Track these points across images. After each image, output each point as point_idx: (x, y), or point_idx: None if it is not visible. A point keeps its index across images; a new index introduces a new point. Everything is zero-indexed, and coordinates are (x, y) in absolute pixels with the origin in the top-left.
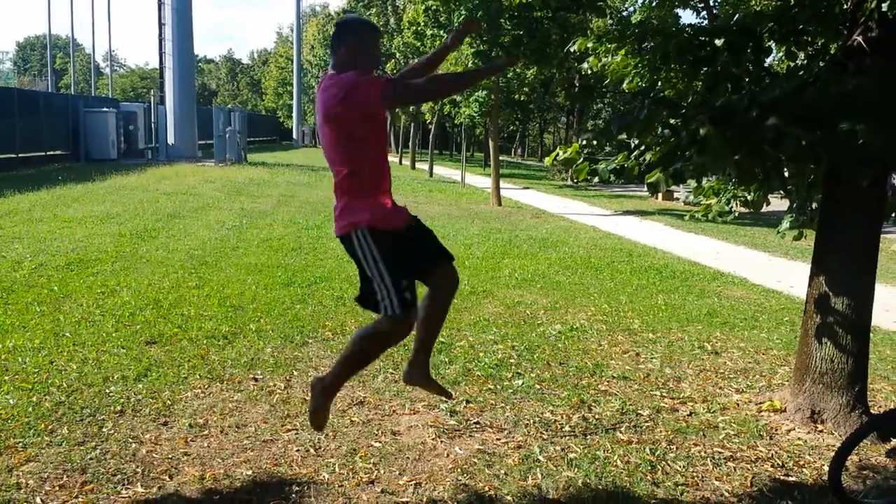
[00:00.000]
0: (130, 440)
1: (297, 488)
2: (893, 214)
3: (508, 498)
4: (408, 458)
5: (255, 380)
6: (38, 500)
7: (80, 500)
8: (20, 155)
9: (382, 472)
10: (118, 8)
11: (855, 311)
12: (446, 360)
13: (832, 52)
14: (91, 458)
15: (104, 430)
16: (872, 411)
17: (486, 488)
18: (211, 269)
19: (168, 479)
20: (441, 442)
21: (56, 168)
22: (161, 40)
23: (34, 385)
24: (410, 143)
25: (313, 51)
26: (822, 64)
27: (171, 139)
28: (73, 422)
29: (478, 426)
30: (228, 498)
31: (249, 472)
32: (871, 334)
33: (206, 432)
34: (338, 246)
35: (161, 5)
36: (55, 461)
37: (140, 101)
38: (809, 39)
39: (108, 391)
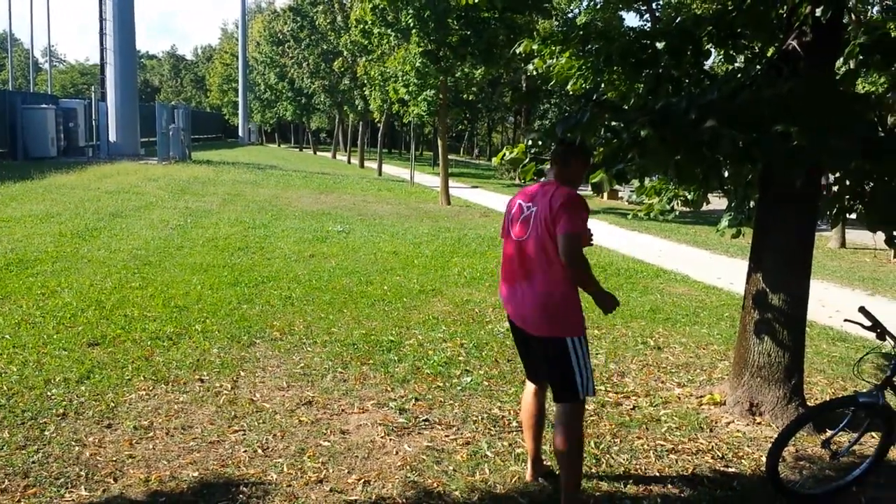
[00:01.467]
0: (73, 443)
1: (244, 489)
2: (827, 213)
3: (457, 494)
4: (357, 456)
5: (201, 381)
6: None
7: None
8: None
9: (331, 470)
10: (58, 2)
11: (791, 307)
12: (395, 358)
13: (769, 55)
14: (33, 462)
15: (46, 433)
16: (809, 403)
17: (435, 485)
18: (155, 269)
19: (113, 482)
20: (390, 440)
21: None
22: (102, 35)
23: None
24: (359, 142)
25: (259, 47)
26: (759, 67)
27: (112, 136)
28: (13, 425)
29: (427, 423)
30: (174, 500)
31: (196, 474)
32: (808, 329)
33: (151, 434)
34: (286, 245)
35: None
36: None
37: (80, 97)
38: (747, 43)
39: (49, 394)
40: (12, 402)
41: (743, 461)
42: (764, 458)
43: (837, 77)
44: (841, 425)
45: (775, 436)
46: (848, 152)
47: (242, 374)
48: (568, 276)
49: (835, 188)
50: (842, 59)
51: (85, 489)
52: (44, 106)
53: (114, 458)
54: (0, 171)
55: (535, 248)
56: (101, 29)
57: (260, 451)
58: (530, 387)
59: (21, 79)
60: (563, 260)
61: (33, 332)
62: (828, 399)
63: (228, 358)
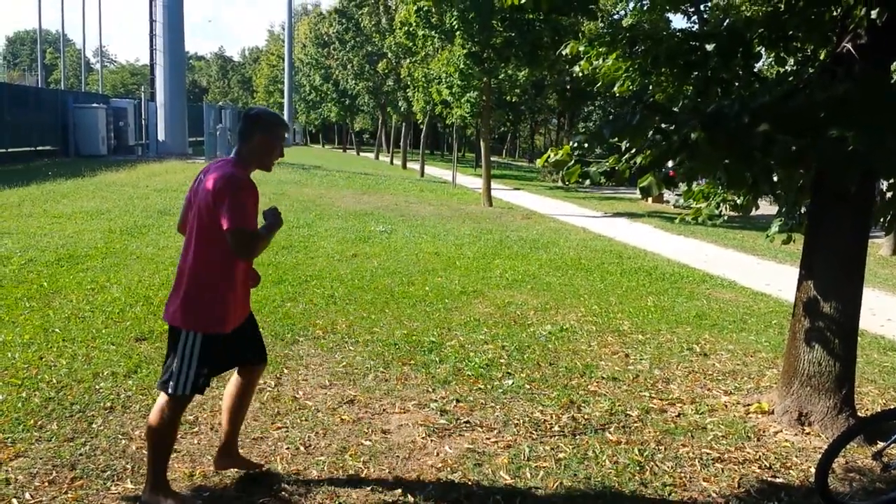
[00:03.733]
0: (120, 436)
1: (286, 486)
2: (881, 220)
3: (497, 497)
4: (397, 456)
5: None
6: (27, 495)
7: (69, 495)
8: (9, 150)
9: (372, 470)
10: (109, 3)
11: (842, 315)
12: (437, 359)
13: (821, 58)
14: (81, 454)
15: (94, 426)
16: (859, 414)
17: (475, 488)
18: None
19: None
20: (431, 441)
21: (45, 163)
22: (152, 36)
23: (23, 381)
24: (402, 143)
25: (305, 49)
26: (811, 70)
27: (161, 136)
28: (62, 418)
29: (468, 425)
30: (218, 495)
31: (239, 470)
32: (859, 338)
33: (195, 429)
34: (329, 245)
35: (152, 2)
36: (45, 457)
37: (130, 97)
38: (799, 45)
39: (97, 387)
40: (61, 395)
41: (791, 472)
42: (812, 470)
43: (893, 80)
44: (893, 437)
45: (825, 446)
46: None
47: (286, 371)
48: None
49: (889, 193)
50: None
51: (131, 482)
52: (95, 105)
53: None
54: (52, 168)
55: (189, 232)
56: (152, 30)
57: (302, 448)
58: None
59: (73, 78)
60: (237, 256)
61: (82, 327)
62: (879, 410)
63: (272, 355)
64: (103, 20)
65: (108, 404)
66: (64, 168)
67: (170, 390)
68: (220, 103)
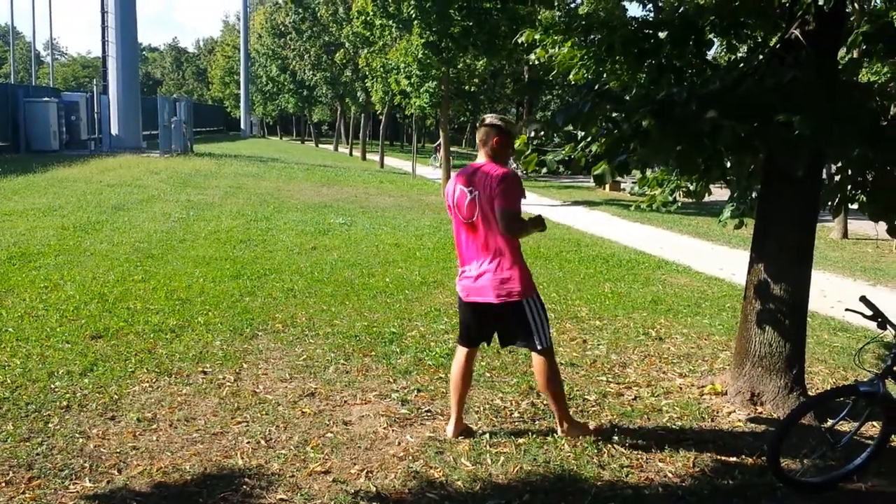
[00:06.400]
0: (77, 435)
1: (247, 480)
2: (829, 203)
3: (459, 484)
4: (359, 447)
5: (204, 373)
6: None
7: (27, 496)
8: None
9: (334, 461)
10: None
11: (792, 297)
12: (397, 350)
13: (772, 44)
14: (37, 454)
15: (50, 425)
16: (810, 393)
17: (437, 475)
18: (157, 262)
19: (117, 474)
20: (392, 431)
21: None
22: (104, 28)
23: None
24: (361, 134)
25: (261, 40)
26: (761, 56)
27: (114, 130)
28: (17, 418)
29: (429, 414)
30: (178, 491)
31: (199, 465)
32: (809, 319)
33: (154, 426)
34: (288, 238)
35: None
36: (0, 457)
37: (82, 90)
38: (749, 33)
39: (53, 386)
40: (16, 395)
41: (744, 450)
42: (765, 448)
43: (840, 66)
44: (842, 415)
45: (776, 425)
46: (850, 141)
47: (245, 366)
48: (511, 243)
49: (836, 177)
50: (844, 49)
51: (89, 481)
52: (46, 99)
53: (118, 450)
54: (2, 164)
55: (484, 227)
56: (103, 21)
57: (263, 442)
58: (463, 351)
59: (23, 72)
60: (502, 231)
61: (36, 326)
62: (829, 388)
63: (231, 350)
64: (53, 12)
65: (65, 403)
66: (14, 164)
67: (539, 346)
68: (175, 96)
